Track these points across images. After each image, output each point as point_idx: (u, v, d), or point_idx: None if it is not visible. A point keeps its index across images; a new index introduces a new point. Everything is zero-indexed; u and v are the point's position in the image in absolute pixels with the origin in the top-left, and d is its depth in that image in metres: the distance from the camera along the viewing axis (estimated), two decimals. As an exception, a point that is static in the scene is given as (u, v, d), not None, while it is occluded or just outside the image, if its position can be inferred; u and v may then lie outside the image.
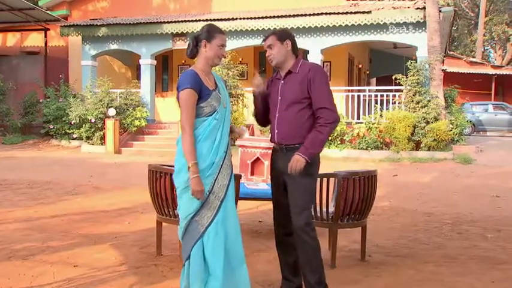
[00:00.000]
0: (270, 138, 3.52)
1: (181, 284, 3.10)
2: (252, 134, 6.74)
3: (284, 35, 3.40)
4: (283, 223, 3.42)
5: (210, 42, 3.09)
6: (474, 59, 29.30)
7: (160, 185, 4.21)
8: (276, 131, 3.38)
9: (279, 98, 3.37)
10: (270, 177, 6.26)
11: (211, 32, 3.11)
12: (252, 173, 6.04)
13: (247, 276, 3.14)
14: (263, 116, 3.55)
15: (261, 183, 5.74)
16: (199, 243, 3.00)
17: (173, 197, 4.16)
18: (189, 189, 2.98)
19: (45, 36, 18.53)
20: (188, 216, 3.03)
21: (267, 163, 6.36)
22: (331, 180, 4.34)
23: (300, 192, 3.28)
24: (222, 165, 3.06)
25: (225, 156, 3.09)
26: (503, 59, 37.10)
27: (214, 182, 3.03)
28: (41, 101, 16.79)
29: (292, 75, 3.37)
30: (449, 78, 19.47)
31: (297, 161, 3.19)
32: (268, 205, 6.33)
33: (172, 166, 4.30)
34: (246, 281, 3.12)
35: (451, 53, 28.06)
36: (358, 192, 4.17)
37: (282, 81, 3.40)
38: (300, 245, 3.29)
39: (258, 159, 6.44)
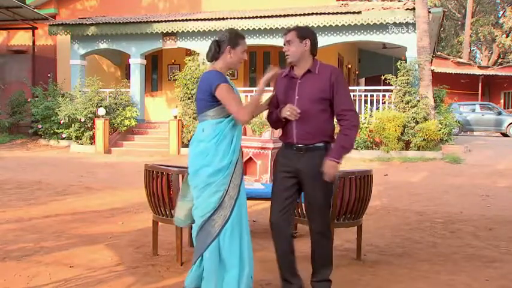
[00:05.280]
0: (281, 136, 3.47)
1: (186, 280, 3.18)
2: (244, 133, 6.75)
3: (305, 34, 3.34)
4: (283, 225, 3.38)
5: (234, 49, 3.17)
6: (461, 60, 29.62)
7: (157, 185, 4.20)
8: (295, 130, 3.32)
9: (297, 97, 3.31)
10: (262, 177, 6.26)
11: (235, 38, 3.19)
12: (245, 173, 6.04)
13: (251, 276, 3.18)
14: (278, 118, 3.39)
15: (255, 183, 5.75)
16: (215, 242, 3.06)
17: (170, 197, 4.15)
18: (207, 188, 3.05)
19: (33, 35, 18.33)
20: (206, 215, 3.08)
21: (259, 163, 6.38)
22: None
23: (320, 194, 3.31)
24: (236, 164, 3.13)
25: (239, 155, 3.16)
26: (489, 60, 37.56)
27: (230, 182, 3.09)
28: (29, 100, 16.62)
29: (311, 75, 3.33)
30: (437, 78, 19.64)
31: (332, 167, 3.21)
32: (262, 204, 6.35)
33: (169, 166, 4.33)
34: (249, 280, 3.15)
35: (439, 53, 28.32)
36: (354, 191, 4.20)
37: (300, 81, 3.35)
38: (318, 246, 3.35)
39: (250, 159, 6.45)
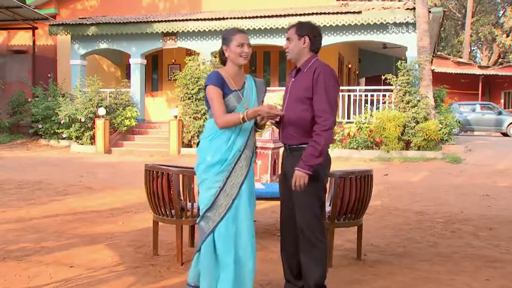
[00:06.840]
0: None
1: (188, 277, 3.21)
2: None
3: (304, 31, 3.23)
4: (289, 224, 3.35)
5: (228, 46, 3.18)
6: (461, 60, 29.60)
7: (157, 185, 4.20)
8: (281, 130, 3.32)
9: (287, 96, 3.31)
10: (262, 177, 6.25)
11: (227, 35, 3.20)
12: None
13: (252, 278, 3.16)
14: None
15: (256, 183, 5.74)
16: (210, 238, 3.07)
17: (170, 197, 4.16)
18: (203, 184, 3.11)
19: (33, 35, 18.32)
20: (202, 211, 3.12)
21: (259, 163, 6.38)
22: (327, 179, 4.35)
23: (303, 194, 3.17)
24: (236, 164, 3.10)
25: (240, 155, 3.12)
26: (489, 60, 37.55)
27: (227, 180, 3.08)
28: (29, 100, 16.62)
29: (300, 73, 3.27)
30: (437, 78, 19.65)
31: (299, 178, 3.08)
32: (263, 204, 6.35)
33: (169, 166, 4.34)
34: (250, 283, 3.14)
35: (439, 53, 28.30)
36: (354, 191, 4.20)
37: (293, 79, 3.32)
38: (303, 246, 3.24)
39: (251, 158, 6.45)
